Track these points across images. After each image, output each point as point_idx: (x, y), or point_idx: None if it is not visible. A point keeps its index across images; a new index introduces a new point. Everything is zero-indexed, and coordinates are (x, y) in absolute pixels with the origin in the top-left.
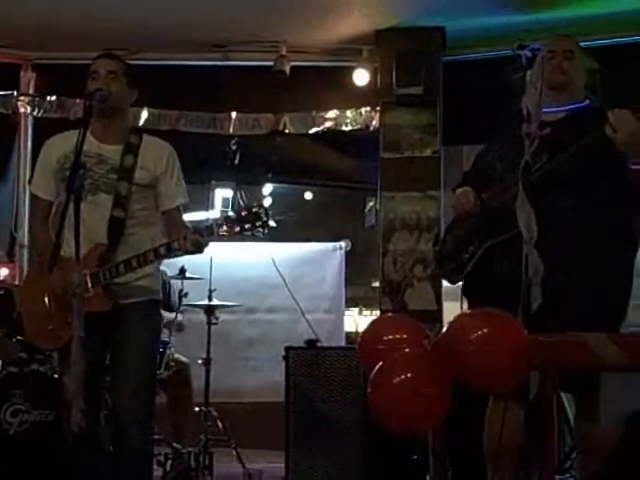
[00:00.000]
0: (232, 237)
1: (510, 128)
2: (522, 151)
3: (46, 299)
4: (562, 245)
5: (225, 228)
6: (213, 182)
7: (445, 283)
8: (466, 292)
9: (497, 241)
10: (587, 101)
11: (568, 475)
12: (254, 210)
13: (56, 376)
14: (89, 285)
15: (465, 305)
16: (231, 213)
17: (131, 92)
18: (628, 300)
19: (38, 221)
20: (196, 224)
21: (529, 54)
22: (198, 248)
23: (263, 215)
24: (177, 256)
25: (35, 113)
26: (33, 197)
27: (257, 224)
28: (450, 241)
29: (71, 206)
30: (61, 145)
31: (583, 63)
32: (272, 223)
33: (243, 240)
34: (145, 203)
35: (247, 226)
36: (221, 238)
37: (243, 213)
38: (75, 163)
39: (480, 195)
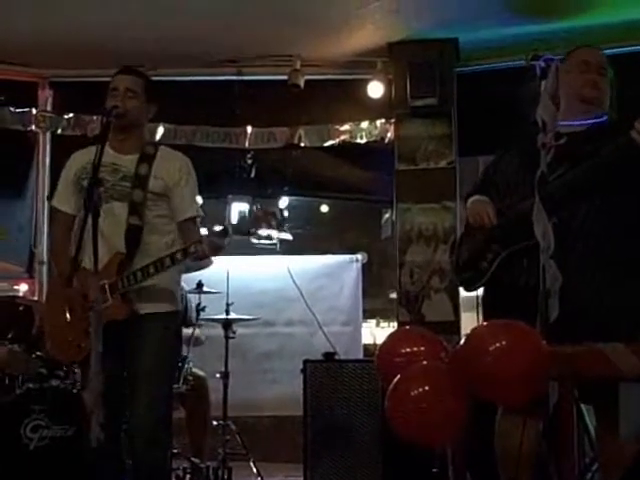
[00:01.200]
0: (247, 248)
1: (524, 138)
2: (539, 161)
3: (66, 311)
4: (580, 255)
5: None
6: (229, 196)
7: (462, 293)
8: (485, 302)
9: (516, 249)
10: (604, 116)
11: None
12: (270, 210)
13: (75, 391)
14: (107, 294)
15: (481, 315)
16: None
17: (149, 107)
18: None
19: (59, 235)
20: (210, 227)
21: (543, 64)
22: (214, 251)
23: (278, 214)
24: (194, 269)
25: (53, 130)
26: (54, 211)
27: (272, 223)
28: (466, 249)
29: (89, 220)
30: (80, 159)
31: (611, 78)
32: (286, 234)
33: (259, 253)
34: (160, 211)
35: (263, 225)
36: (236, 242)
37: (259, 214)
38: (93, 178)
39: (495, 204)
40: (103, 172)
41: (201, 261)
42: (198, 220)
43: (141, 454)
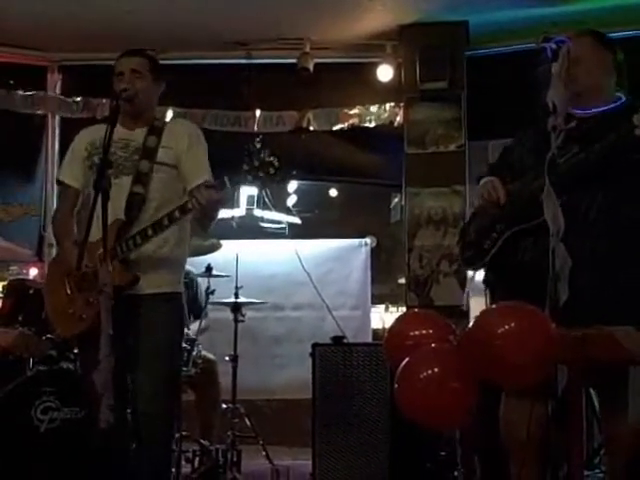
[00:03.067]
0: (257, 232)
1: (538, 121)
2: (558, 145)
3: (66, 284)
4: (590, 238)
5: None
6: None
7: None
8: (489, 281)
9: (520, 229)
10: (621, 99)
11: (597, 470)
12: (267, 160)
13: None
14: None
15: (488, 296)
16: (245, 167)
17: (158, 86)
18: None
19: (64, 209)
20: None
21: (554, 46)
22: (212, 204)
23: (275, 162)
24: (203, 252)
25: (62, 114)
26: (60, 185)
27: (270, 172)
28: (473, 229)
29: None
30: (90, 135)
31: (619, 60)
32: (295, 218)
33: (268, 237)
34: (168, 184)
35: (261, 174)
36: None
37: (256, 163)
38: (103, 160)
39: (506, 186)
40: (114, 148)
41: (201, 243)
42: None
43: (145, 438)
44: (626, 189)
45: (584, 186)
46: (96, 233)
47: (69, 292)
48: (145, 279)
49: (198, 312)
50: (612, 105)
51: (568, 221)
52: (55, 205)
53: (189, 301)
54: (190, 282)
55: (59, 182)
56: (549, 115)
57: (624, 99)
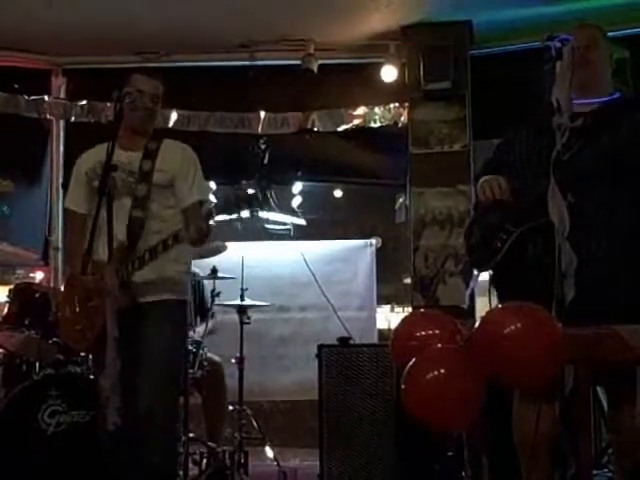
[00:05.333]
0: (262, 234)
1: (536, 118)
2: (550, 141)
3: (76, 301)
4: (594, 235)
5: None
6: (243, 182)
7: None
8: (495, 282)
9: (529, 227)
10: (617, 93)
11: (606, 470)
12: (249, 192)
13: (92, 377)
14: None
15: (494, 297)
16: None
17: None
18: None
19: (74, 235)
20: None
21: (558, 45)
22: (201, 235)
23: (259, 194)
24: (208, 255)
25: (66, 118)
26: (68, 212)
27: (253, 204)
28: (479, 229)
29: (103, 209)
30: (88, 159)
31: (606, 53)
32: (300, 219)
33: (273, 239)
34: (166, 203)
35: (243, 206)
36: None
37: (234, 197)
38: (107, 165)
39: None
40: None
41: (206, 246)
42: (205, 205)
43: (148, 440)
44: (631, 184)
45: (589, 182)
46: (102, 254)
47: (78, 310)
48: (146, 289)
49: (204, 314)
50: (611, 97)
51: (573, 218)
52: (60, 208)
53: (195, 303)
54: (196, 284)
55: (66, 209)
56: (549, 111)
57: (619, 93)
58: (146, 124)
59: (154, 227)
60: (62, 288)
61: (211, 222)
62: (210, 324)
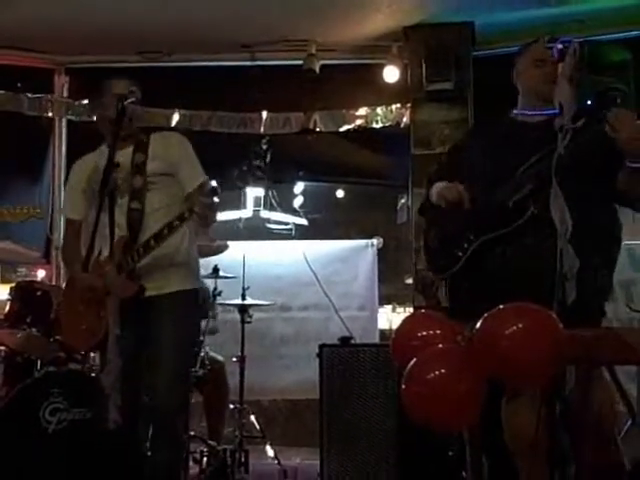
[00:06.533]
0: (263, 233)
1: (488, 124)
2: (515, 152)
3: (80, 301)
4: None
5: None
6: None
7: None
8: (451, 289)
9: (489, 238)
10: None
11: None
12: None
13: (94, 374)
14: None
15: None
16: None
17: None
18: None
19: (70, 239)
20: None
21: (560, 46)
22: (206, 209)
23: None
24: (210, 254)
25: (69, 117)
26: (66, 221)
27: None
28: (436, 235)
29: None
30: (86, 166)
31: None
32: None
33: (275, 239)
34: (164, 192)
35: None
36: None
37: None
38: (108, 164)
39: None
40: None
41: (206, 247)
42: (207, 184)
43: (161, 431)
44: (595, 191)
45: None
46: (104, 252)
47: (82, 309)
48: (153, 281)
49: (205, 314)
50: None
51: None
52: (62, 207)
53: None
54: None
55: (65, 218)
56: (514, 124)
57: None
58: (132, 125)
59: (155, 216)
60: (63, 288)
61: (216, 199)
62: (211, 323)
